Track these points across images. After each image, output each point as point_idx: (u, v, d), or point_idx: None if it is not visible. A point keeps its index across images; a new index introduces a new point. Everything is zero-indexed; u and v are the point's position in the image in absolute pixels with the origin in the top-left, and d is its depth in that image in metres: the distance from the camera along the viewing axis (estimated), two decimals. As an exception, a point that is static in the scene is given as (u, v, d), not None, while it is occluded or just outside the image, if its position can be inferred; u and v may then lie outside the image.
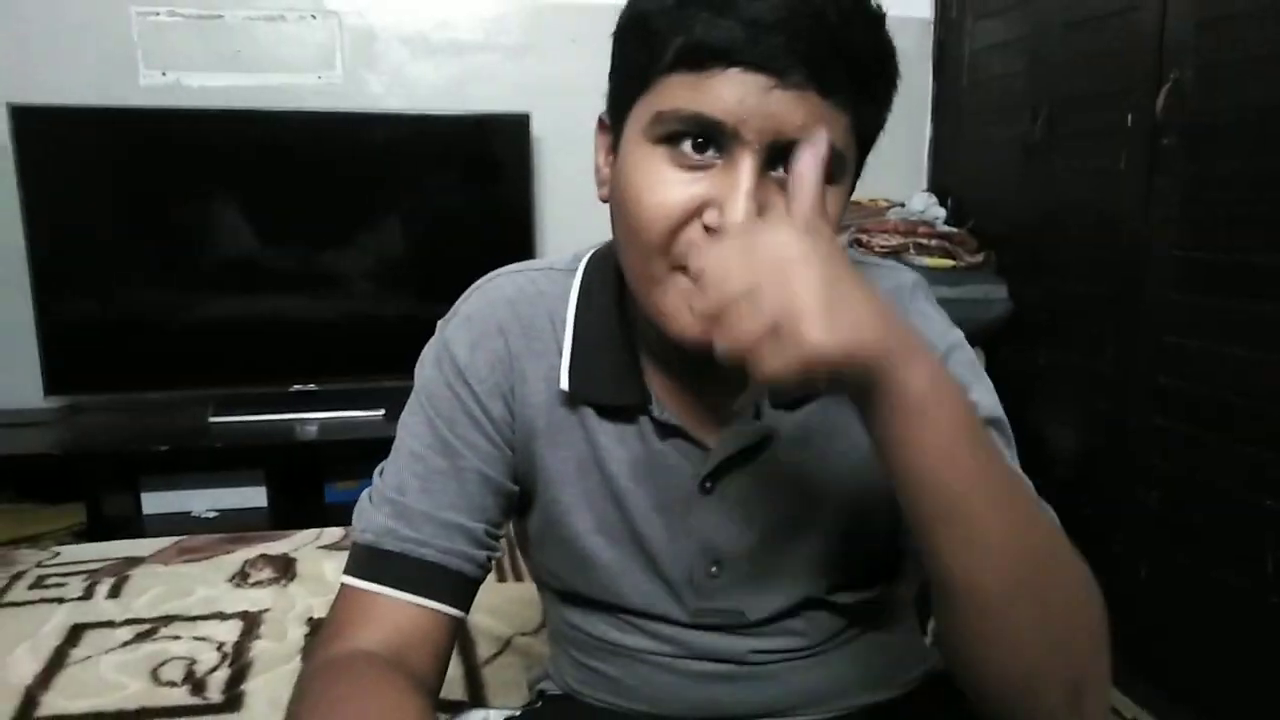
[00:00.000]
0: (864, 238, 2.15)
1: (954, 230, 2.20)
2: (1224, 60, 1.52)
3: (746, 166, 0.60)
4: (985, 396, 0.73)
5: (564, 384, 0.75)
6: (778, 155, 0.61)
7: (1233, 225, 1.51)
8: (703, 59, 0.60)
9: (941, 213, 2.29)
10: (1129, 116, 1.70)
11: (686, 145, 0.62)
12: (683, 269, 0.63)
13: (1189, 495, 1.59)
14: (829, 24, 0.59)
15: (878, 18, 0.64)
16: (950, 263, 2.11)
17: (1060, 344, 1.97)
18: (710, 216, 0.62)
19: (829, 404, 0.74)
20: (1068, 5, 1.92)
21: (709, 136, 0.62)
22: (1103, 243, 1.80)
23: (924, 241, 2.14)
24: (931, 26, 2.53)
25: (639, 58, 0.64)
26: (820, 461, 0.76)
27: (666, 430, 0.75)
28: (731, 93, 0.60)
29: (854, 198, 2.31)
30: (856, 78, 0.62)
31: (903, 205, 2.33)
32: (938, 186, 2.48)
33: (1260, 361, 1.44)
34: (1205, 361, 1.55)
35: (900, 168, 2.53)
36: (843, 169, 0.64)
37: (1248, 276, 1.47)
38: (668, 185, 0.63)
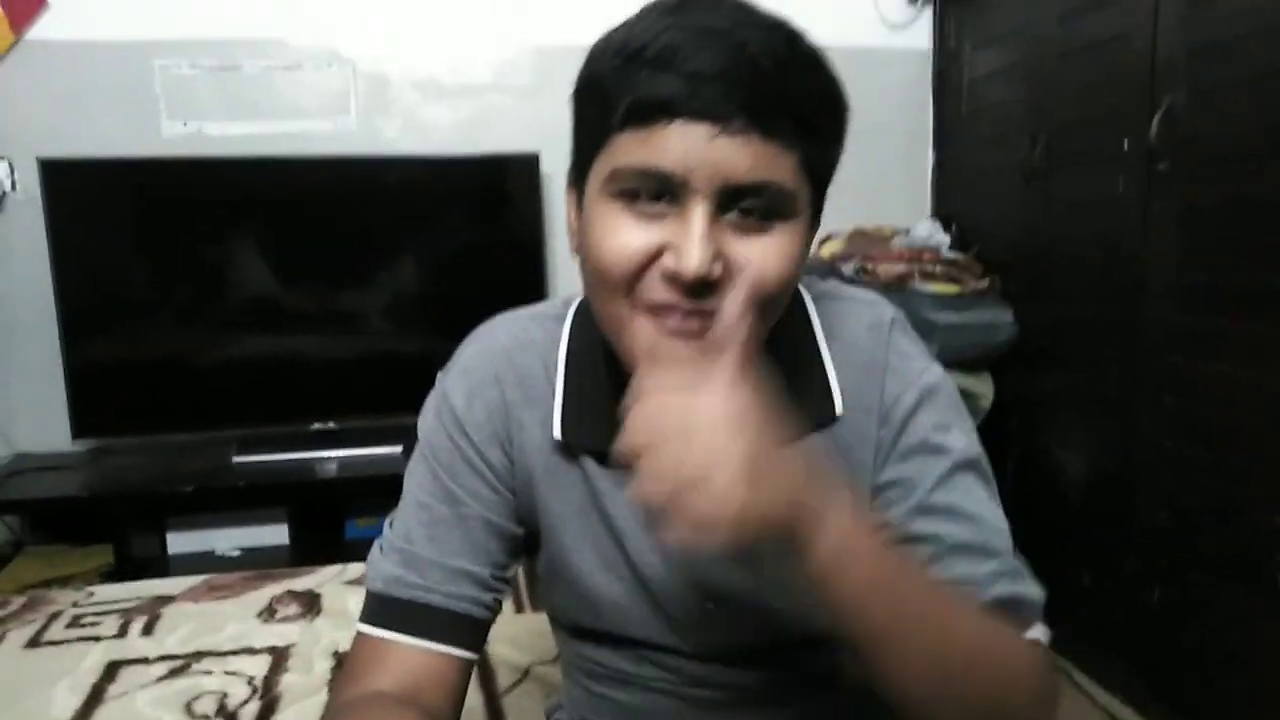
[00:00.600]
0: (870, 265, 2.18)
1: (958, 256, 2.22)
2: (1215, 85, 1.54)
3: (698, 214, 0.63)
4: (961, 439, 0.76)
5: (556, 433, 0.78)
6: (729, 199, 0.64)
7: (1228, 247, 1.53)
8: (649, 114, 0.63)
9: (946, 239, 2.31)
10: (1125, 142, 1.73)
11: (643, 197, 0.65)
12: (647, 309, 0.66)
13: (1198, 515, 1.60)
14: (765, 70, 0.62)
15: (815, 58, 0.66)
16: (956, 288, 2.14)
17: (1065, 367, 1.99)
18: (668, 259, 0.64)
19: (815, 441, 0.75)
20: (1062, 34, 1.95)
21: (662, 188, 0.64)
22: (1104, 266, 1.82)
23: (929, 268, 2.16)
24: (930, 57, 2.58)
25: (593, 118, 0.67)
26: None
27: None
28: (678, 144, 0.62)
29: (859, 226, 2.32)
30: (798, 118, 0.64)
31: (908, 232, 2.35)
32: (941, 213, 2.51)
33: (1261, 381, 1.46)
34: (1208, 382, 1.57)
35: (904, 195, 2.57)
36: (793, 207, 0.66)
37: (1245, 297, 1.49)
38: (628, 232, 0.65)
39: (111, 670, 1.43)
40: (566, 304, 0.84)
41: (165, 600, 1.68)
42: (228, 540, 2.23)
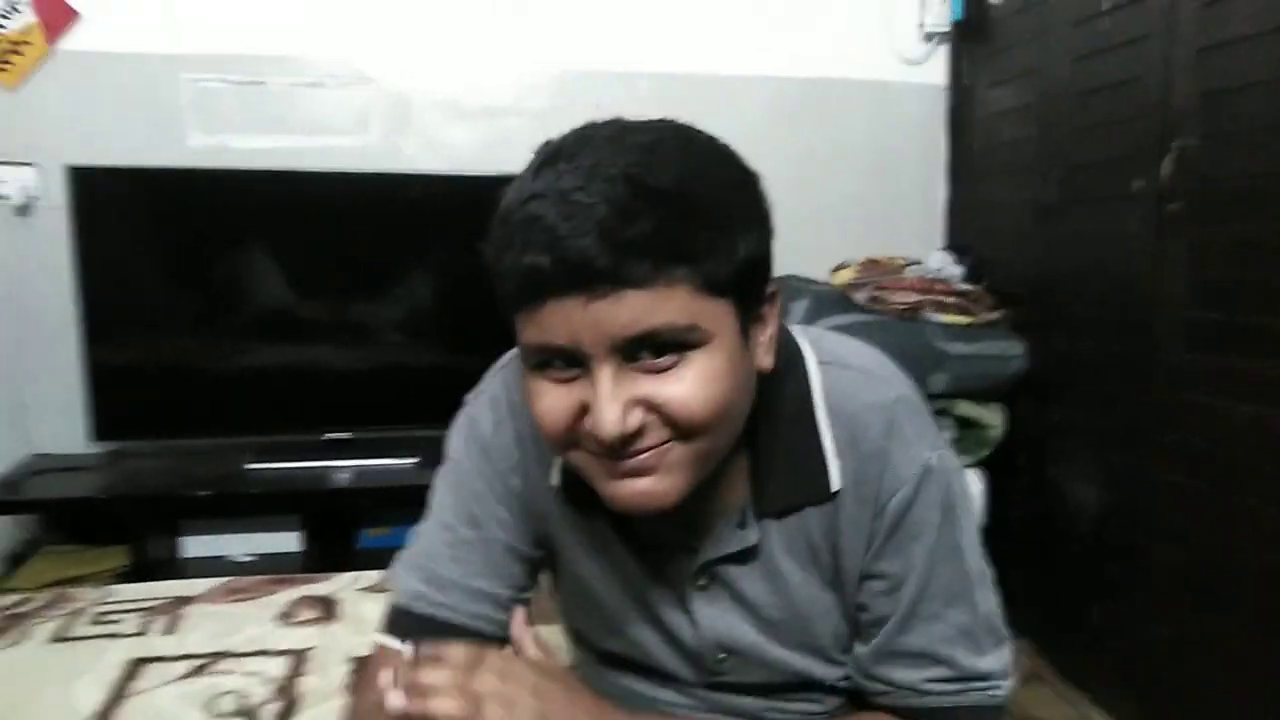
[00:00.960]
0: (882, 294, 2.21)
1: (971, 288, 2.26)
2: (1226, 130, 1.58)
3: (602, 377, 0.64)
4: (950, 529, 0.77)
5: (554, 480, 0.81)
6: (631, 349, 0.64)
7: (1237, 287, 1.56)
8: (529, 296, 0.64)
9: (958, 271, 2.34)
10: (1136, 182, 1.77)
11: (554, 365, 0.66)
12: (603, 451, 0.66)
13: (1206, 551, 1.62)
14: (615, 226, 0.60)
15: (671, 181, 0.63)
16: (967, 319, 2.16)
17: (1076, 400, 2.01)
18: (588, 421, 0.65)
19: (813, 514, 0.78)
20: (1076, 74, 2.00)
21: (566, 356, 0.65)
22: (1115, 302, 1.86)
23: (941, 299, 2.19)
24: (946, 93, 2.63)
25: (498, 293, 0.68)
26: (808, 567, 0.79)
27: (652, 540, 0.80)
28: (560, 318, 0.63)
29: (873, 256, 2.34)
30: (670, 252, 0.62)
31: (920, 263, 2.39)
32: (954, 245, 2.54)
33: (1269, 419, 1.48)
34: (1217, 419, 1.59)
35: (918, 227, 2.62)
36: (698, 334, 0.64)
37: (1254, 337, 1.52)
38: (551, 400, 0.67)
39: (134, 667, 1.45)
40: None
41: (185, 601, 1.70)
42: (240, 545, 2.25)
